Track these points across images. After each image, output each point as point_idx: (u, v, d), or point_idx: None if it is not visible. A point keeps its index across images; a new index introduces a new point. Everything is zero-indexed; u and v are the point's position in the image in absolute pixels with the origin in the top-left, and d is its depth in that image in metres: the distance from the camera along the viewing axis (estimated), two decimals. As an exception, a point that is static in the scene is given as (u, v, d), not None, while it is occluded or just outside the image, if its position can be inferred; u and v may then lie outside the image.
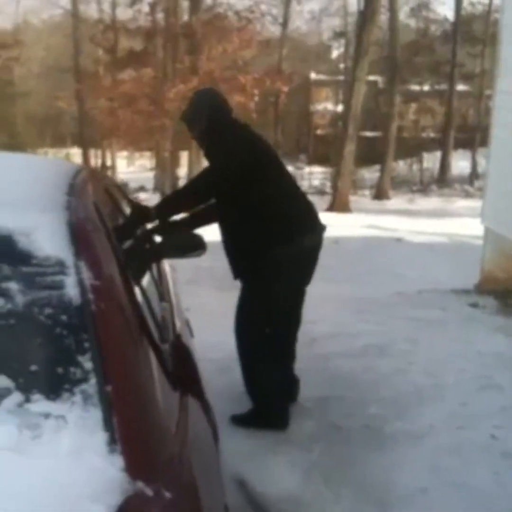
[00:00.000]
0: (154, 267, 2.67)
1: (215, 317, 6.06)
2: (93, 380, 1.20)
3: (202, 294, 7.17)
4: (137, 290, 1.74)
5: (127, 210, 2.73)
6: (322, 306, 6.72)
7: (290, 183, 3.76)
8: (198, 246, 2.81)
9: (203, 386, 1.88)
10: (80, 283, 1.35)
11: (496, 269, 7.47)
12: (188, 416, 1.47)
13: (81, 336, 1.26)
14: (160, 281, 2.64)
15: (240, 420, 3.66)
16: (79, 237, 1.47)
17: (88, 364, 1.22)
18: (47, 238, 1.42)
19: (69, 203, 1.60)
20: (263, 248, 3.45)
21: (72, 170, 2.01)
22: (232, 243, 3.64)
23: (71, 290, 1.33)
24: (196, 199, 3.37)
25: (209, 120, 3.47)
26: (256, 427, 3.60)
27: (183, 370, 1.94)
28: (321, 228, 3.75)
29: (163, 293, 2.47)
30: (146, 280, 2.17)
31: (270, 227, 3.44)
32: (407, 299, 7.05)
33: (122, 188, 3.15)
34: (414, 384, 4.42)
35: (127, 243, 2.29)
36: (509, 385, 4.30)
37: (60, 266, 1.37)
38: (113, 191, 2.54)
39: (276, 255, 3.45)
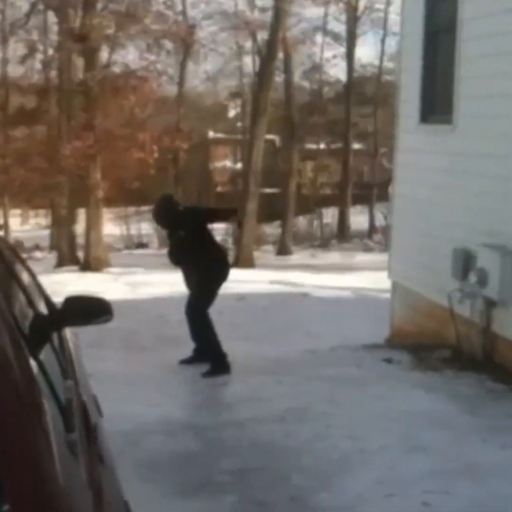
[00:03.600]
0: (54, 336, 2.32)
1: (120, 384, 5.64)
2: None
3: (106, 358, 6.70)
4: (34, 368, 1.43)
5: (20, 271, 2.36)
6: (233, 366, 6.43)
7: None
8: (104, 312, 2.53)
9: (114, 481, 1.57)
10: None
11: (406, 323, 7.45)
12: None
13: None
14: (62, 354, 2.28)
15: (209, 374, 5.78)
16: None
17: None
18: None
19: None
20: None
21: None
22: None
23: None
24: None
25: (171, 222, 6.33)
26: (220, 374, 5.78)
27: (93, 465, 1.62)
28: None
29: (66, 369, 2.11)
30: (45, 354, 1.83)
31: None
32: (320, 357, 6.86)
33: (12, 247, 2.78)
34: (337, 450, 4.18)
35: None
36: (436, 445, 4.13)
37: None
38: (6, 254, 2.18)
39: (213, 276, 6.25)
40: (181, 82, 28.53)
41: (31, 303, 2.06)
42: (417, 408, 4.82)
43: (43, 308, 2.45)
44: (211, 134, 36.07)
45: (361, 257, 20.31)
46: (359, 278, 13.65)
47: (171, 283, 12.88)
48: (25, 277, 2.39)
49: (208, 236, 6.47)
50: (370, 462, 4.02)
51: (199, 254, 6.10)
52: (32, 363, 1.44)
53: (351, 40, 27.83)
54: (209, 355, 6.07)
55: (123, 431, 4.01)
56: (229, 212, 8.13)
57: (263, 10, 25.09)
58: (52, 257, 20.76)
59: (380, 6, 28.37)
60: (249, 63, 29.59)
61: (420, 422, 4.53)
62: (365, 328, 8.16)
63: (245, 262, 17.49)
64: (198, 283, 6.19)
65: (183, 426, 4.45)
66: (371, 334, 7.66)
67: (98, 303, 2.63)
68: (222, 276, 6.36)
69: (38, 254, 23.74)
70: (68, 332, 2.91)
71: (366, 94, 28.65)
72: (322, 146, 31.05)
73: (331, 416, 4.76)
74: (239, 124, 32.89)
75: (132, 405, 4.76)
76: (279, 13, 18.39)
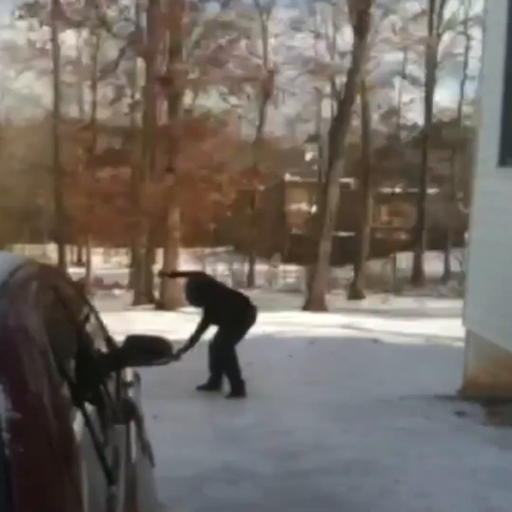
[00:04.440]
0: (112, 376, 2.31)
1: (184, 426, 5.65)
2: None
3: (172, 398, 6.73)
4: (74, 415, 1.38)
5: (83, 315, 2.38)
6: (300, 412, 6.35)
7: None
8: (165, 353, 2.50)
9: None
10: None
11: (480, 373, 7.17)
12: None
13: None
14: (117, 396, 2.26)
15: (230, 395, 7.07)
16: (1, 353, 1.15)
17: None
18: None
19: None
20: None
21: (11, 265, 1.66)
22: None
23: None
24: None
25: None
26: (237, 397, 7.00)
27: None
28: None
29: (118, 414, 2.09)
30: (95, 397, 1.80)
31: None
32: (389, 407, 6.67)
33: (79, 288, 2.81)
34: (405, 507, 4.02)
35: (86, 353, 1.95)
36: (509, 508, 3.91)
37: None
38: (66, 292, 2.19)
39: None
40: (260, 126, 29.06)
41: (86, 342, 2.05)
42: (490, 466, 4.60)
43: (101, 348, 2.45)
44: (287, 177, 36.42)
45: (434, 304, 19.82)
46: (431, 325, 13.30)
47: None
48: (85, 315, 2.38)
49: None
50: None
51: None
52: (73, 409, 1.40)
53: (429, 84, 27.73)
54: (235, 378, 7.21)
55: (183, 477, 3.99)
56: None
57: (342, 54, 25.38)
58: (130, 295, 21.20)
59: (460, 50, 28.26)
60: (327, 107, 29.90)
61: (492, 481, 4.31)
62: (437, 378, 7.90)
63: (316, 305, 17.37)
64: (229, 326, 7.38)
65: (245, 473, 4.38)
66: (442, 384, 7.41)
67: (160, 343, 2.55)
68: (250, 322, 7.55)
69: (116, 291, 24.33)
70: (128, 372, 2.91)
71: (443, 139, 28.34)
72: (397, 190, 30.82)
73: (399, 471, 4.59)
74: (315, 167, 33.05)
75: (194, 449, 4.73)
76: (357, 58, 18.52)
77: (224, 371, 7.25)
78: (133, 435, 2.14)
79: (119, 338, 2.84)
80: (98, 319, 2.69)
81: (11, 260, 1.82)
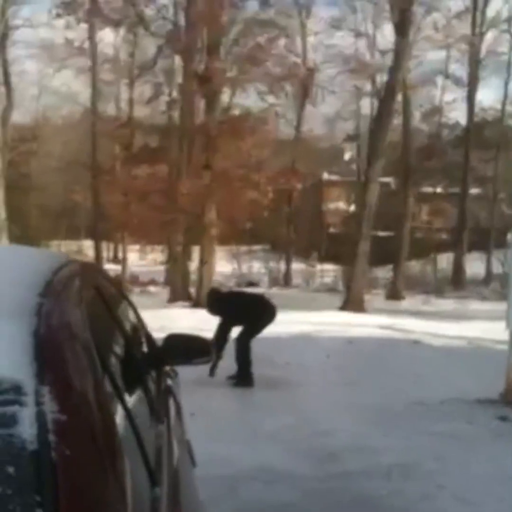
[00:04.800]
0: (149, 377, 2.26)
1: (221, 424, 5.59)
2: None
3: (210, 397, 6.69)
4: (117, 413, 1.35)
5: (124, 312, 2.33)
6: (339, 413, 6.25)
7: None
8: (205, 352, 2.48)
9: None
10: (39, 418, 0.97)
11: (525, 378, 6.97)
12: None
13: (32, 498, 0.89)
14: (157, 395, 2.22)
15: (236, 384, 7.62)
16: (46, 353, 1.10)
17: None
18: (2, 354, 1.06)
19: (40, 306, 1.23)
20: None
21: (54, 264, 1.63)
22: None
23: (25, 429, 0.95)
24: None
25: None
26: (243, 386, 7.55)
27: None
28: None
29: (159, 413, 2.04)
30: (137, 396, 1.78)
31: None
32: (429, 410, 6.52)
33: (120, 285, 2.77)
34: (446, 513, 3.90)
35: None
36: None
37: (14, 393, 0.99)
38: (107, 290, 2.15)
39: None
40: (298, 125, 28.92)
41: (128, 341, 2.01)
42: (535, 474, 4.45)
43: (142, 346, 2.42)
44: (325, 175, 36.21)
45: (476, 306, 19.48)
46: (473, 327, 13.04)
47: (279, 323, 12.84)
48: (126, 313, 2.36)
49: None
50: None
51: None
52: (116, 405, 1.37)
53: (472, 83, 27.23)
54: (245, 371, 7.78)
55: (220, 476, 3.92)
56: None
57: (383, 53, 25.09)
58: (166, 292, 21.27)
59: (504, 49, 27.70)
60: (366, 105, 29.64)
61: (539, 490, 4.17)
62: (479, 381, 7.71)
63: (355, 305, 17.18)
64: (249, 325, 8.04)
65: (283, 474, 4.30)
66: (484, 387, 7.22)
67: (200, 342, 2.58)
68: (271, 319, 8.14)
69: (152, 288, 24.45)
70: (168, 370, 2.87)
71: (485, 138, 27.81)
72: (438, 189, 30.37)
73: (439, 475, 4.47)
74: (354, 166, 32.79)
75: (232, 448, 4.67)
76: (399, 56, 18.26)
77: (236, 360, 7.78)
78: (175, 435, 2.10)
79: (156, 335, 2.81)
80: (138, 316, 2.65)
81: (54, 258, 1.79)
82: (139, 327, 2.58)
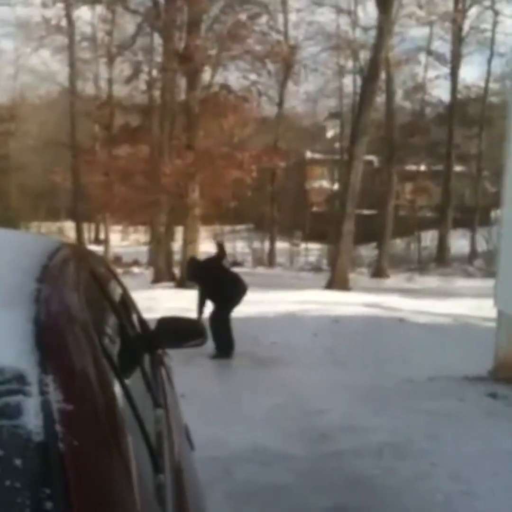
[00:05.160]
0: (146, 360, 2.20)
1: (211, 406, 5.53)
2: None
3: (198, 377, 6.62)
4: (119, 395, 1.31)
5: (117, 295, 2.27)
6: (329, 393, 6.22)
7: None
8: (198, 335, 2.43)
9: None
10: (45, 408, 0.94)
11: (513, 355, 6.97)
12: None
13: (41, 492, 0.85)
14: (154, 379, 2.16)
15: (214, 357, 7.87)
16: (48, 340, 1.06)
17: None
18: (3, 343, 1.02)
19: (38, 292, 1.19)
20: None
21: (49, 248, 1.58)
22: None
23: (31, 420, 0.92)
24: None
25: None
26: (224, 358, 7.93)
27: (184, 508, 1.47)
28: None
29: (157, 396, 1.98)
30: (134, 379, 1.72)
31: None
32: (418, 388, 6.50)
33: (112, 268, 2.69)
34: (441, 491, 3.87)
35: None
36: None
37: (17, 383, 0.96)
38: (100, 272, 2.09)
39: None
40: (280, 102, 28.69)
41: (123, 324, 1.95)
42: (528, 450, 4.44)
43: (136, 329, 2.36)
44: (308, 154, 36.05)
45: (461, 283, 19.58)
46: (459, 304, 13.07)
47: (265, 303, 12.83)
48: (119, 296, 2.29)
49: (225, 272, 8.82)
50: (477, 507, 3.70)
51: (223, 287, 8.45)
52: (118, 390, 1.33)
53: (455, 61, 27.16)
54: (222, 344, 8.09)
55: (214, 457, 3.86)
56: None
57: (365, 29, 24.91)
58: (149, 273, 21.15)
59: (487, 26, 27.60)
60: (349, 83, 29.43)
61: (532, 466, 4.16)
62: (466, 358, 7.71)
63: (340, 284, 17.16)
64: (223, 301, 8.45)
65: (276, 455, 4.25)
66: (473, 365, 7.23)
67: (193, 325, 2.58)
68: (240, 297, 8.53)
69: (135, 269, 24.30)
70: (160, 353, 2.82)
71: (469, 116, 27.80)
72: (422, 167, 30.36)
73: (433, 453, 4.44)
74: (337, 144, 32.66)
75: (224, 429, 4.61)
76: (382, 33, 18.11)
77: (213, 339, 7.81)
78: (173, 419, 2.04)
79: (145, 315, 2.73)
80: (130, 299, 2.59)
81: (48, 243, 1.74)
82: (132, 309, 2.51)
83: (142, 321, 2.56)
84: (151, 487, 1.32)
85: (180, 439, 2.01)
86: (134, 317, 2.47)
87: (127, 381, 1.51)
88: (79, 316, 1.28)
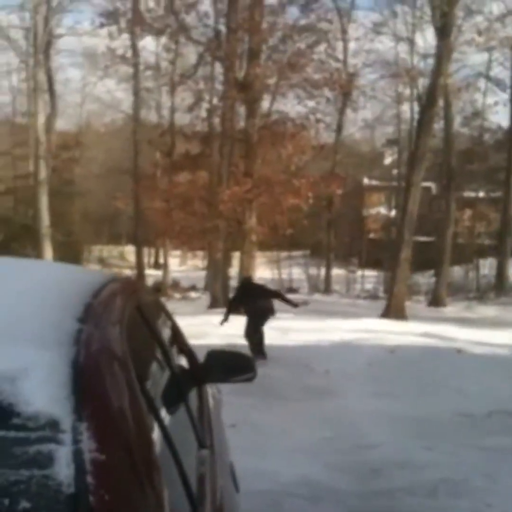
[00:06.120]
0: (192, 395, 2.20)
1: (261, 436, 5.52)
2: None
3: (249, 407, 6.61)
4: (155, 436, 1.28)
5: (166, 329, 2.28)
6: (380, 426, 6.12)
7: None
8: (247, 370, 2.42)
9: None
10: (77, 457, 0.91)
11: None
12: None
13: None
14: (200, 415, 2.15)
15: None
16: (85, 385, 1.03)
17: None
18: (39, 386, 0.98)
19: (79, 333, 1.16)
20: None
21: (95, 283, 1.56)
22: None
23: (62, 470, 0.89)
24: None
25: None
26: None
27: None
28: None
29: (202, 435, 1.97)
30: (179, 419, 1.70)
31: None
32: (475, 423, 6.35)
33: (161, 301, 2.71)
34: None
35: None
36: None
37: (50, 430, 0.93)
38: (149, 307, 2.07)
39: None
40: (338, 129, 28.73)
41: (169, 359, 1.95)
42: None
43: (183, 365, 2.36)
44: (366, 180, 35.93)
45: (521, 312, 19.01)
46: (518, 335, 12.70)
47: (319, 330, 12.76)
48: (167, 329, 2.31)
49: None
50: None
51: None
52: (156, 434, 1.30)
53: (515, 86, 26.67)
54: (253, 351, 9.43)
55: (261, 491, 3.84)
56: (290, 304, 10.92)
57: (424, 57, 24.78)
58: (206, 297, 21.32)
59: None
60: (406, 110, 29.28)
61: None
62: (526, 392, 7.50)
63: (396, 312, 16.91)
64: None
65: (325, 490, 4.20)
66: (533, 399, 7.03)
67: (242, 359, 2.52)
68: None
69: (193, 294, 24.53)
70: (209, 386, 2.82)
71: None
72: (480, 194, 29.83)
73: (489, 493, 4.32)
74: (394, 171, 32.44)
75: (272, 461, 4.59)
76: (440, 60, 17.99)
77: (249, 345, 9.68)
78: (218, 460, 2.02)
79: (200, 341, 2.76)
80: (180, 333, 2.60)
81: (96, 278, 1.73)
82: (181, 344, 2.53)
83: (191, 354, 2.55)
84: None
85: (224, 481, 1.99)
86: (183, 351, 2.48)
87: (170, 421, 1.47)
88: (119, 357, 1.24)
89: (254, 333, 10.01)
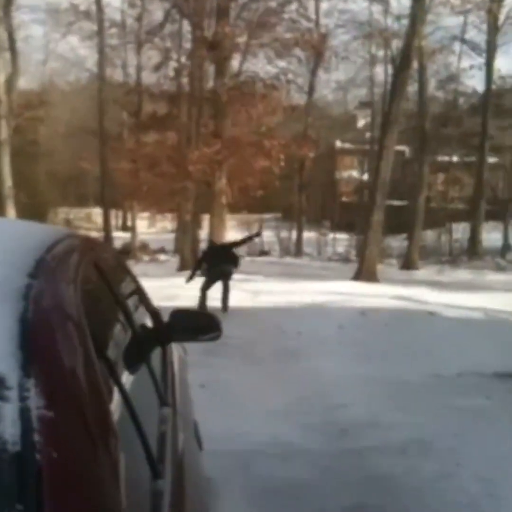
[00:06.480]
0: (156, 354, 2.10)
1: (232, 397, 5.43)
2: None
3: (220, 367, 6.54)
4: (119, 407, 1.24)
5: (127, 289, 2.17)
6: (351, 387, 6.07)
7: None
8: (212, 328, 2.38)
9: None
10: (23, 415, 0.85)
11: (545, 351, 6.75)
12: None
13: (13, 509, 0.77)
14: (163, 375, 2.06)
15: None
16: (33, 341, 0.97)
17: None
18: None
19: (29, 288, 1.09)
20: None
21: (49, 238, 1.46)
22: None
23: (7, 428, 0.83)
24: None
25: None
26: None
27: None
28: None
29: (165, 394, 1.87)
30: (140, 379, 1.63)
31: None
32: (446, 383, 6.33)
33: (122, 260, 2.59)
34: (465, 493, 3.72)
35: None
36: None
37: None
38: (109, 265, 1.99)
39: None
40: (310, 91, 28.41)
41: (130, 319, 1.85)
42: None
43: (147, 324, 2.27)
44: (338, 143, 35.76)
45: (493, 276, 19.18)
46: (490, 298, 12.76)
47: (291, 292, 12.71)
48: (128, 289, 2.20)
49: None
50: (502, 510, 3.56)
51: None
52: (112, 392, 1.24)
53: (490, 51, 26.57)
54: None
55: (233, 451, 3.77)
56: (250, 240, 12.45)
57: (398, 18, 24.47)
58: (175, 260, 21.16)
59: (525, 14, 26.93)
60: (380, 72, 29.07)
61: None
62: (496, 354, 7.51)
63: (368, 275, 16.91)
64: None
65: (297, 450, 4.14)
66: (503, 361, 7.05)
67: (207, 318, 2.51)
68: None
69: (162, 257, 24.33)
70: (174, 348, 2.74)
71: (503, 107, 27.22)
72: (454, 158, 29.87)
73: (458, 453, 4.29)
74: (367, 134, 32.30)
75: (244, 422, 4.51)
76: (415, 21, 17.73)
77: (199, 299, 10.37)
78: (181, 417, 1.94)
79: (169, 303, 2.66)
80: (142, 292, 2.51)
81: (50, 233, 1.63)
82: (145, 303, 2.43)
83: (155, 315, 2.47)
84: (147, 495, 1.24)
85: (186, 439, 1.90)
86: (146, 311, 2.38)
87: (129, 381, 1.42)
88: (72, 315, 1.17)
89: (207, 289, 10.62)
